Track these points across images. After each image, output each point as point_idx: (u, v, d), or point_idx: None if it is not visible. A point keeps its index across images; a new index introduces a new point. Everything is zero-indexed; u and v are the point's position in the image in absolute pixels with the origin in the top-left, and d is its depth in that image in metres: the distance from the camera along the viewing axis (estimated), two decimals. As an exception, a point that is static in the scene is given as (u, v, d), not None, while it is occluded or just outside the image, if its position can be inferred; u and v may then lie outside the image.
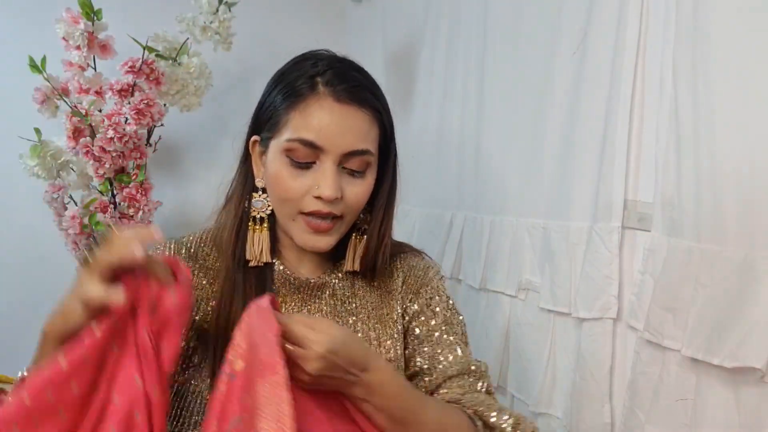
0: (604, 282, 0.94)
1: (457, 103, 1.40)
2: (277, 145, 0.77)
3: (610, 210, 0.94)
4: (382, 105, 0.81)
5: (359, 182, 0.79)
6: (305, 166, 0.76)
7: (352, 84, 0.77)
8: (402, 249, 0.92)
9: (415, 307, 0.87)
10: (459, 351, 0.84)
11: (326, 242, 0.79)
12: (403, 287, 0.88)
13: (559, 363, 1.05)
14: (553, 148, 1.07)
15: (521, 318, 1.16)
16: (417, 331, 0.85)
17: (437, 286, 0.89)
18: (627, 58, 0.91)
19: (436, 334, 0.85)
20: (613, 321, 0.94)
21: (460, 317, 0.89)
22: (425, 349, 0.84)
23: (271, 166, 0.78)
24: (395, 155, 0.87)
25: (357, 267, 0.84)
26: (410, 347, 0.85)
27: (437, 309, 0.87)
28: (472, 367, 0.83)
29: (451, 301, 0.89)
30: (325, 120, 0.75)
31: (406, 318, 0.86)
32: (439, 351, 0.83)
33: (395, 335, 0.84)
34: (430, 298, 0.87)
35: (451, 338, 0.85)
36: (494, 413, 0.76)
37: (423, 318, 0.86)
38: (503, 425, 0.75)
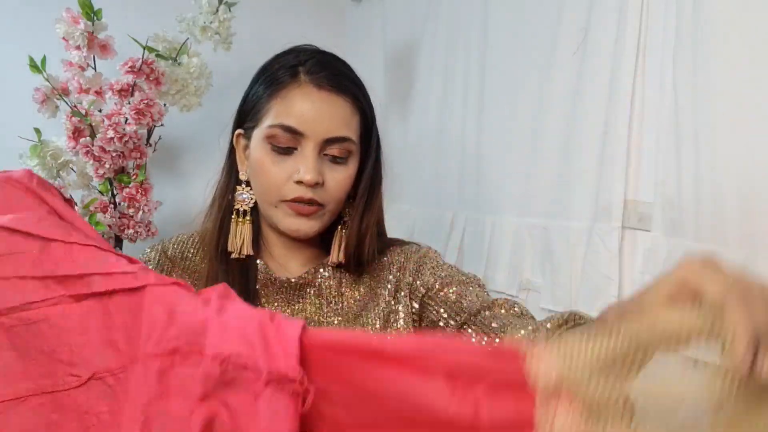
0: (604, 282, 0.94)
1: (457, 103, 1.40)
2: (259, 133, 0.79)
3: (610, 210, 0.94)
4: (363, 95, 0.81)
5: (341, 169, 0.79)
6: (286, 152, 0.77)
7: (333, 72, 0.78)
8: (397, 242, 0.91)
9: (420, 275, 0.83)
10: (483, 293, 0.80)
11: (308, 227, 0.79)
12: (400, 272, 0.85)
13: (559, 363, 1.05)
14: (553, 148, 1.07)
15: (521, 318, 1.16)
16: (434, 302, 0.81)
17: (435, 257, 0.87)
18: (627, 58, 0.91)
19: (455, 295, 0.80)
20: (613, 321, 0.94)
21: (475, 275, 0.85)
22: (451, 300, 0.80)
23: (254, 154, 0.79)
24: (378, 146, 0.86)
25: (342, 258, 0.83)
26: (433, 316, 0.81)
27: (444, 273, 0.83)
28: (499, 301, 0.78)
29: (455, 267, 0.86)
30: (305, 106, 0.76)
31: (416, 301, 0.83)
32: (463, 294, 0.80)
33: (377, 325, 0.83)
34: (434, 266, 0.84)
35: (476, 289, 0.81)
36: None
37: (435, 286, 0.82)
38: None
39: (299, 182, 0.76)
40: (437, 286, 0.82)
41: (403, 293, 0.84)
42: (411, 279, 0.84)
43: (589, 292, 0.96)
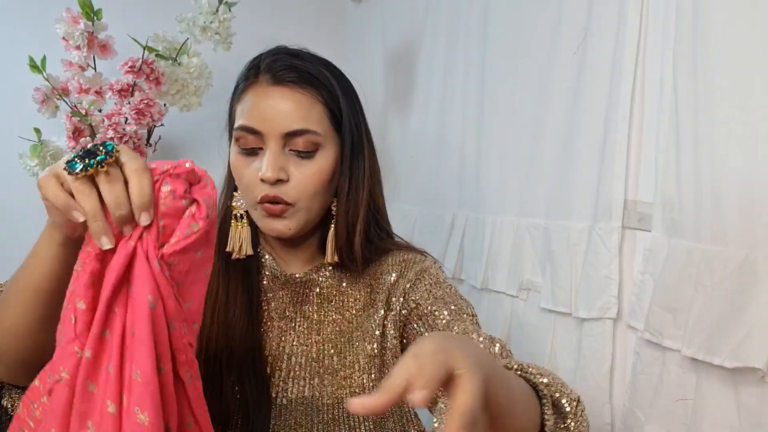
0: (604, 282, 0.94)
1: (457, 103, 1.40)
2: (232, 138, 0.81)
3: (610, 210, 0.94)
4: (325, 87, 0.79)
5: (307, 164, 0.78)
6: (253, 152, 0.78)
7: (290, 67, 0.78)
8: (398, 246, 0.90)
9: (415, 289, 0.82)
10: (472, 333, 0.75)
11: (283, 225, 0.78)
12: (399, 281, 0.84)
13: (559, 363, 1.05)
14: (553, 148, 1.07)
15: (522, 318, 1.15)
16: (422, 311, 0.80)
17: (437, 275, 0.85)
18: (627, 58, 0.91)
19: (442, 314, 0.78)
20: (613, 321, 0.94)
21: (469, 301, 0.83)
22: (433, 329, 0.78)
23: (230, 158, 0.81)
24: (357, 138, 0.83)
25: (335, 257, 0.82)
26: (416, 334, 0.80)
27: (440, 291, 0.82)
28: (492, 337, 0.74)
29: (453, 289, 0.84)
30: (261, 104, 0.77)
31: (406, 309, 0.82)
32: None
33: (376, 333, 0.82)
34: (431, 284, 0.83)
35: (464, 323, 0.78)
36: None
37: (425, 298, 0.81)
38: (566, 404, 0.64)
39: (262, 180, 0.76)
40: (428, 307, 0.80)
41: (394, 299, 0.83)
42: (405, 290, 0.83)
43: (589, 292, 0.96)
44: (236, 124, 0.78)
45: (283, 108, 0.76)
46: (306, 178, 0.77)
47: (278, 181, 0.76)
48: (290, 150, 0.77)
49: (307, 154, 0.78)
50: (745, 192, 0.71)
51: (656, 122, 0.88)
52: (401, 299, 0.83)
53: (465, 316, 0.79)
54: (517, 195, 1.18)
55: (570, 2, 1.03)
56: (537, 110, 1.12)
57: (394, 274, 0.85)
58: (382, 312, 0.83)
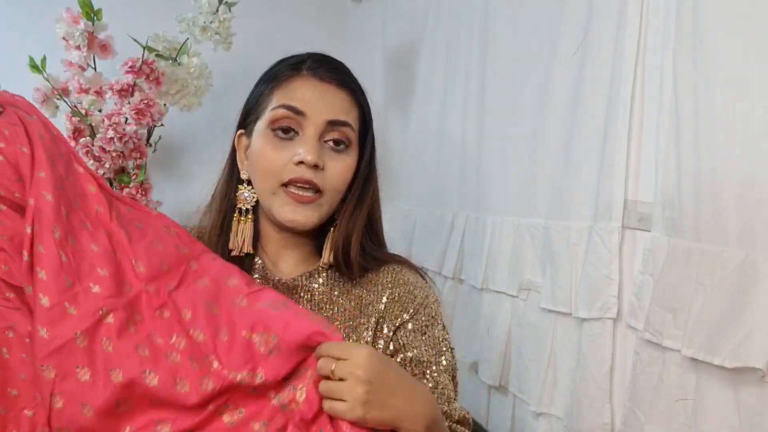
0: (604, 282, 0.94)
1: (457, 103, 1.40)
2: (261, 123, 0.81)
3: (610, 210, 0.94)
4: (361, 93, 0.84)
5: (340, 158, 0.81)
6: (288, 137, 0.79)
7: (334, 68, 0.82)
8: (396, 260, 0.89)
9: (410, 327, 0.83)
10: (448, 396, 0.80)
11: (305, 216, 0.79)
12: (395, 303, 0.84)
13: (559, 363, 1.05)
14: (553, 148, 1.07)
15: (522, 318, 1.16)
16: (408, 355, 0.81)
17: (435, 314, 0.85)
18: (627, 58, 0.91)
19: (431, 368, 0.81)
20: (613, 321, 0.94)
21: (453, 350, 0.85)
22: None
23: (255, 144, 0.81)
24: (373, 148, 0.87)
25: (331, 258, 0.83)
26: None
27: (432, 338, 0.83)
28: (463, 415, 0.79)
29: (447, 334, 0.86)
30: (307, 93, 0.79)
31: (398, 338, 0.83)
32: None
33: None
34: (427, 326, 0.83)
35: (443, 378, 0.81)
36: None
37: (416, 344, 0.82)
38: None
39: (299, 163, 0.77)
40: (414, 351, 0.81)
41: (386, 328, 0.83)
42: (399, 324, 0.83)
43: (589, 292, 0.96)
44: (276, 104, 0.79)
45: (330, 100, 0.80)
46: (338, 171, 0.80)
47: (315, 167, 0.78)
48: (325, 141, 0.80)
49: (342, 148, 0.81)
50: (745, 192, 0.71)
51: (656, 122, 0.88)
52: (392, 331, 0.83)
53: (441, 369, 0.82)
54: (517, 195, 1.18)
55: (570, 2, 1.03)
56: (537, 110, 1.12)
57: (387, 293, 0.84)
58: (371, 332, 0.82)
